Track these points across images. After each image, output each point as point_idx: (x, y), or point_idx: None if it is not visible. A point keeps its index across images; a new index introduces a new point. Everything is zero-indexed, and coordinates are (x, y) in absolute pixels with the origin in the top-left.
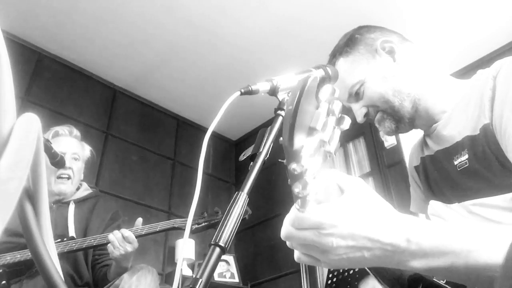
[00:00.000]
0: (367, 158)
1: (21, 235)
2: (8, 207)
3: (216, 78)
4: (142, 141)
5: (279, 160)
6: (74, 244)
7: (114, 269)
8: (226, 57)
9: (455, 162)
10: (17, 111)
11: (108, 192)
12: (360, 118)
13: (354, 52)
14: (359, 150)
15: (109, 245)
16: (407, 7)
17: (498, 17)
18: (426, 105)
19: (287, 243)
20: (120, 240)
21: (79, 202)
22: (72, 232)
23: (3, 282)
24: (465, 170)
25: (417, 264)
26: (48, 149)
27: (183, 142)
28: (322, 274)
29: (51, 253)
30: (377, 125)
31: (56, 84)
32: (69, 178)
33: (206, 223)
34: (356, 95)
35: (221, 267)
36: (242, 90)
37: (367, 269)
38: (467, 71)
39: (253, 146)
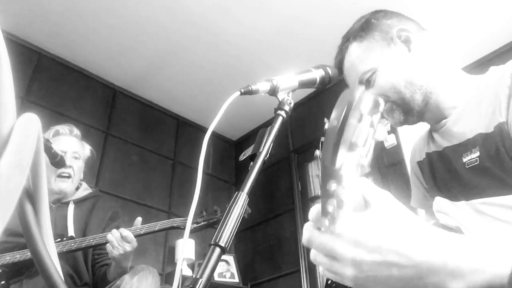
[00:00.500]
0: None
1: (21, 235)
2: (8, 207)
3: (216, 78)
4: (142, 141)
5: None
6: (73, 244)
7: (113, 269)
8: (226, 57)
9: (464, 160)
10: (17, 111)
11: (108, 192)
12: None
13: (368, 38)
14: None
15: (107, 244)
16: (410, 6)
17: (508, 10)
18: (437, 99)
19: (311, 253)
20: (119, 240)
21: (78, 202)
22: (71, 232)
23: (3, 282)
24: (474, 168)
25: (455, 285)
26: (48, 149)
27: (183, 142)
28: (322, 274)
29: (51, 253)
30: (385, 115)
31: (56, 84)
32: (69, 176)
33: (205, 222)
34: (367, 83)
35: (221, 267)
36: (242, 90)
37: None
38: (476, 66)
39: (253, 146)
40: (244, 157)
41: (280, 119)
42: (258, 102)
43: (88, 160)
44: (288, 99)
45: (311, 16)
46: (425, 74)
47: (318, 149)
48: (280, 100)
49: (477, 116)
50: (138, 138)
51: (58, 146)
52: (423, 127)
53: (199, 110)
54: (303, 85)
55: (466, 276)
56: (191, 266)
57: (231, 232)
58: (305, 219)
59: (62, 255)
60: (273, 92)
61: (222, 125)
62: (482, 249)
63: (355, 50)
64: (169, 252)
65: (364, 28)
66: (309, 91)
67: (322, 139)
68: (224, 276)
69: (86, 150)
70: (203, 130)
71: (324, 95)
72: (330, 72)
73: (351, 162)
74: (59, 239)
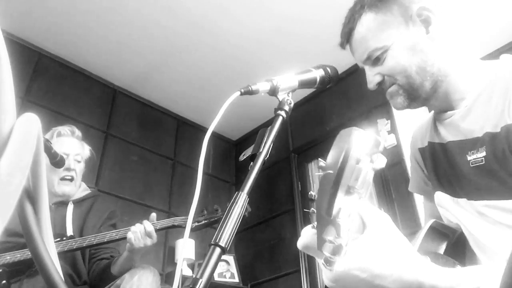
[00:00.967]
0: None
1: (21, 235)
2: (8, 207)
3: (216, 78)
4: (142, 141)
5: (305, 210)
6: (73, 243)
7: (123, 262)
8: (226, 57)
9: (469, 158)
10: (17, 111)
11: (108, 192)
12: (371, 85)
13: (385, 11)
14: None
15: (129, 234)
16: None
17: (498, 18)
18: (447, 88)
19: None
20: (143, 234)
21: (77, 202)
22: (70, 231)
23: (3, 281)
24: (479, 168)
25: None
26: (48, 149)
27: (183, 142)
28: (322, 274)
29: (51, 253)
30: (387, 97)
31: (56, 84)
32: (72, 179)
33: (206, 221)
34: (376, 60)
35: (221, 267)
36: (242, 90)
37: None
38: (494, 57)
39: (253, 146)
40: (244, 157)
41: (280, 119)
42: (258, 102)
43: (88, 161)
44: (288, 99)
45: (311, 16)
46: (439, 61)
47: (313, 190)
48: (280, 100)
49: (486, 113)
50: (138, 138)
51: (61, 148)
52: (423, 115)
53: (199, 110)
54: (303, 85)
55: None
56: (191, 266)
57: (231, 232)
58: (305, 219)
59: (61, 255)
60: (273, 92)
61: (222, 125)
62: (457, 273)
63: (369, 21)
64: (169, 252)
65: None
66: (309, 91)
67: (317, 174)
68: (224, 276)
69: (85, 150)
70: (203, 130)
71: (324, 95)
72: (330, 72)
73: (349, 206)
74: (59, 239)
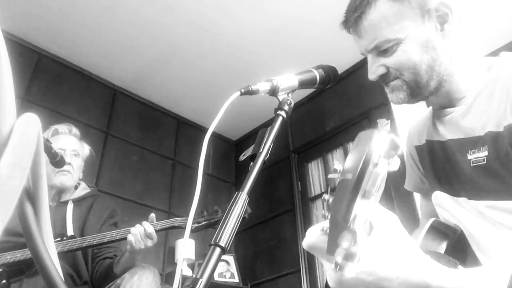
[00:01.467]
0: None
1: (21, 235)
2: (8, 207)
3: (216, 78)
4: (142, 141)
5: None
6: (74, 243)
7: (125, 261)
8: (226, 57)
9: (469, 157)
10: (17, 111)
11: (108, 192)
12: (373, 76)
13: (403, 1)
14: None
15: (129, 236)
16: None
17: (498, 18)
18: (450, 87)
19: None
20: (143, 235)
21: (77, 201)
22: (70, 231)
23: (3, 281)
24: (480, 168)
25: None
26: (48, 149)
27: (183, 142)
28: (322, 274)
29: (51, 253)
30: (387, 89)
31: (56, 84)
32: (69, 173)
33: (206, 222)
34: (383, 51)
35: (221, 267)
36: (242, 90)
37: None
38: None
39: (253, 146)
40: (244, 157)
41: (280, 119)
42: (258, 102)
43: (87, 160)
44: (288, 99)
45: (311, 16)
46: (446, 61)
47: (327, 193)
48: (280, 100)
49: (487, 111)
50: (138, 138)
51: (57, 144)
52: (421, 112)
53: (199, 110)
54: (303, 85)
55: None
56: (191, 266)
57: (231, 232)
58: (305, 219)
59: (62, 255)
60: (273, 92)
61: (222, 125)
62: (463, 274)
63: (384, 8)
64: (169, 252)
65: None
66: (309, 91)
67: (330, 176)
68: (224, 276)
69: (85, 149)
70: (203, 130)
71: (324, 95)
72: (330, 72)
73: (366, 211)
74: (59, 239)
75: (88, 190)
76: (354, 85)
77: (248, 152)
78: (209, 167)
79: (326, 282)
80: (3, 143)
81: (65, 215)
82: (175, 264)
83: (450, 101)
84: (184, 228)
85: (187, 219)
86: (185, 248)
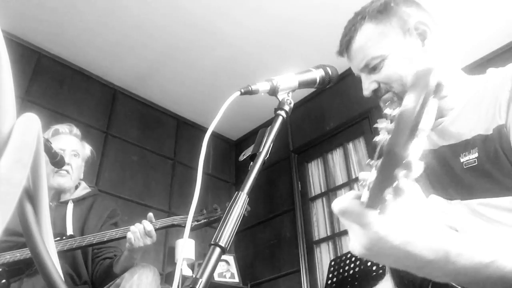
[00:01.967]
0: (367, 158)
1: (21, 234)
2: (8, 207)
3: (216, 78)
4: (142, 141)
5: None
6: (73, 243)
7: (124, 260)
8: (226, 57)
9: (462, 160)
10: (17, 111)
11: (108, 192)
12: (367, 92)
13: (385, 22)
14: (359, 150)
15: (129, 234)
16: None
17: (507, 12)
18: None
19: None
20: (142, 233)
21: (77, 201)
22: (70, 231)
23: (3, 281)
24: (472, 169)
25: (445, 279)
26: (48, 149)
27: (183, 142)
28: (322, 274)
29: (50, 253)
30: (381, 104)
31: (56, 84)
32: (67, 173)
33: (205, 220)
34: (373, 69)
35: (221, 267)
36: (242, 90)
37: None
38: (474, 67)
39: (253, 146)
40: (244, 157)
41: (280, 119)
42: (258, 102)
43: (88, 160)
44: (288, 99)
45: (310, 17)
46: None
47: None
48: (280, 100)
49: (476, 117)
50: (138, 138)
51: (57, 144)
52: None
53: (199, 110)
54: (303, 85)
55: (459, 274)
56: (191, 266)
57: (231, 232)
58: (305, 219)
59: (61, 254)
60: (273, 92)
61: (222, 125)
62: (478, 248)
63: (369, 31)
64: (169, 252)
65: (382, 10)
66: (309, 91)
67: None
68: (224, 276)
69: (86, 150)
70: (203, 130)
71: (324, 95)
72: (330, 72)
73: (419, 148)
74: (58, 238)
75: (88, 190)
76: (354, 85)
77: (248, 152)
78: (209, 167)
79: (326, 282)
80: (3, 143)
81: (65, 215)
82: (175, 264)
83: (440, 112)
84: (184, 226)
85: (186, 217)
86: (185, 248)
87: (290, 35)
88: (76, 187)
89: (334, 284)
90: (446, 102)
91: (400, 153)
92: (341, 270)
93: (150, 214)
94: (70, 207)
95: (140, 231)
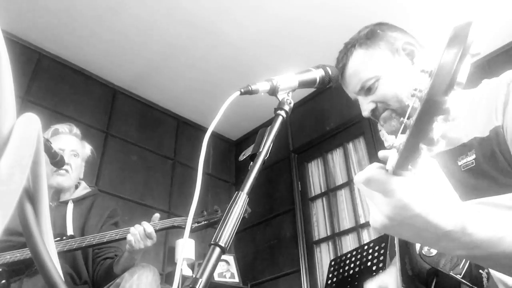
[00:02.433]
0: (367, 158)
1: (21, 234)
2: (8, 207)
3: (216, 78)
4: (142, 141)
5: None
6: (73, 243)
7: (124, 261)
8: (226, 58)
9: (460, 163)
10: (17, 111)
11: (108, 192)
12: (366, 113)
13: (374, 46)
14: (359, 150)
15: (129, 235)
16: (409, 8)
17: (499, 18)
18: None
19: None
20: (142, 235)
21: (77, 201)
22: (70, 231)
23: (3, 281)
24: (471, 170)
25: (461, 253)
26: (48, 149)
27: (183, 142)
28: (322, 274)
29: (51, 253)
30: (381, 122)
31: (56, 84)
32: (67, 173)
33: (206, 222)
34: (368, 90)
35: (221, 267)
36: (242, 90)
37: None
38: (471, 68)
39: (253, 146)
40: (244, 157)
41: (280, 119)
42: (258, 102)
43: (88, 160)
44: (288, 99)
45: (310, 17)
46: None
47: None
48: (280, 100)
49: (472, 122)
50: (138, 138)
51: (57, 144)
52: None
53: (199, 110)
54: (303, 85)
55: (476, 248)
56: (191, 266)
57: (231, 232)
58: (305, 219)
59: (61, 254)
60: (273, 92)
61: (222, 125)
62: (496, 222)
63: (360, 56)
64: (169, 252)
65: (369, 36)
66: (309, 91)
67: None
68: (224, 276)
69: (86, 149)
70: (203, 130)
71: (324, 95)
72: (330, 72)
73: (455, 101)
74: (58, 238)
75: (88, 189)
76: None
77: (248, 151)
78: (209, 167)
79: (326, 282)
80: (3, 143)
81: (65, 215)
82: (175, 264)
83: None
84: (184, 228)
85: (186, 219)
86: (185, 248)
87: (290, 35)
88: (76, 187)
89: (334, 284)
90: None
91: (441, 100)
92: (341, 270)
93: (156, 215)
94: (70, 207)
95: (140, 233)
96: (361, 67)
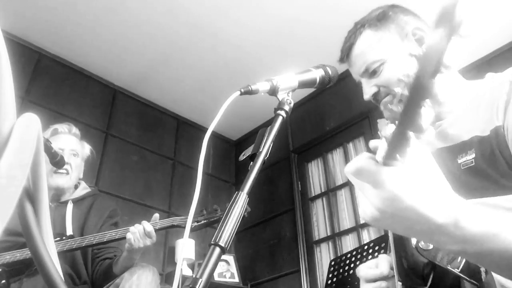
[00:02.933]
0: None
1: (21, 234)
2: (8, 207)
3: (216, 78)
4: (142, 141)
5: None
6: (73, 243)
7: (123, 261)
8: (226, 58)
9: (459, 161)
10: (17, 111)
11: (108, 192)
12: (367, 96)
13: (383, 29)
14: (359, 150)
15: (128, 234)
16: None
17: (506, 13)
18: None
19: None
20: (142, 234)
21: (77, 201)
22: (69, 231)
23: (3, 281)
24: (470, 169)
25: (454, 248)
26: (48, 149)
27: (183, 142)
28: (322, 274)
29: (50, 253)
30: (382, 107)
31: (56, 84)
32: (67, 173)
33: (205, 221)
34: (372, 73)
35: (221, 267)
36: (242, 90)
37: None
38: (471, 69)
39: (253, 146)
40: (244, 157)
41: (280, 119)
42: (258, 102)
43: (87, 160)
44: (288, 99)
45: (310, 17)
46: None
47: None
48: (280, 100)
49: (474, 119)
50: (138, 138)
51: (57, 144)
52: None
53: (199, 110)
54: (303, 85)
55: (468, 242)
56: (191, 266)
57: (231, 232)
58: (305, 219)
59: (61, 255)
60: (273, 92)
61: (222, 125)
62: (489, 217)
63: (368, 37)
64: (169, 252)
65: (380, 18)
66: (309, 91)
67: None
68: (224, 276)
69: (85, 149)
70: (203, 130)
71: (324, 95)
72: (330, 72)
73: (440, 86)
74: (58, 238)
75: (88, 189)
76: (354, 85)
77: (248, 152)
78: (209, 167)
79: (326, 282)
80: (3, 143)
81: (64, 215)
82: (175, 264)
83: (439, 115)
84: (184, 227)
85: (186, 218)
86: (185, 248)
87: (290, 35)
88: (76, 187)
89: (334, 284)
90: (445, 105)
91: (428, 84)
92: (341, 270)
93: (156, 215)
94: (69, 207)
95: (140, 232)
96: (368, 48)
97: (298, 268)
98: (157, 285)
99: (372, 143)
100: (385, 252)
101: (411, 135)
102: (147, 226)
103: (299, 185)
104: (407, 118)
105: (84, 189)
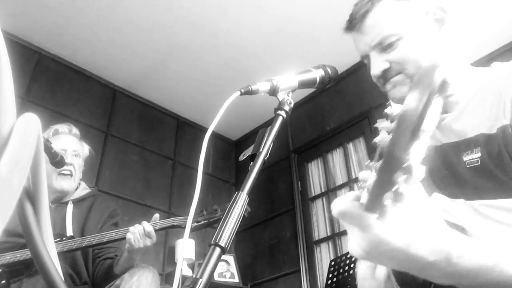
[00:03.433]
0: (367, 158)
1: (21, 235)
2: (8, 207)
3: (216, 78)
4: (142, 141)
5: (367, 163)
6: (73, 243)
7: (124, 261)
8: (226, 57)
9: (465, 158)
10: (17, 111)
11: (108, 192)
12: (377, 71)
13: (405, 1)
14: (359, 150)
15: (128, 235)
16: None
17: (508, 11)
18: None
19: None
20: (142, 234)
21: (77, 202)
22: (70, 231)
23: (3, 281)
24: (476, 168)
25: (446, 281)
26: (48, 149)
27: (183, 142)
28: (322, 274)
29: (50, 253)
30: (389, 86)
31: (56, 84)
32: (71, 175)
33: (205, 221)
34: (387, 46)
35: (221, 267)
36: (242, 90)
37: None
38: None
39: (253, 146)
40: (244, 157)
41: (280, 119)
42: (258, 102)
43: (87, 160)
44: (288, 99)
45: (311, 16)
46: (446, 60)
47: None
48: (280, 100)
49: (479, 114)
50: (138, 138)
51: (58, 144)
52: None
53: (199, 110)
54: (303, 85)
55: (460, 277)
56: (191, 266)
57: (231, 232)
58: (305, 219)
59: (61, 255)
60: (273, 92)
61: (222, 125)
62: (481, 252)
63: (387, 7)
64: (169, 252)
65: None
66: (309, 91)
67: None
68: (224, 276)
69: (85, 149)
70: (203, 130)
71: (324, 95)
72: (330, 72)
73: (418, 150)
74: (58, 239)
75: (88, 190)
76: (354, 85)
77: (248, 152)
78: (209, 167)
79: (326, 282)
80: (3, 143)
81: (64, 215)
82: (175, 264)
83: (445, 106)
84: (183, 227)
85: (186, 218)
86: (185, 248)
87: (290, 34)
88: (76, 188)
89: (334, 284)
90: (452, 96)
91: (401, 156)
92: (341, 270)
93: (156, 215)
94: (69, 207)
95: (140, 232)
96: (386, 19)
97: (298, 268)
98: (157, 286)
99: (361, 175)
100: None
101: (395, 180)
102: (147, 226)
103: (299, 185)
104: (382, 185)
105: (84, 189)
